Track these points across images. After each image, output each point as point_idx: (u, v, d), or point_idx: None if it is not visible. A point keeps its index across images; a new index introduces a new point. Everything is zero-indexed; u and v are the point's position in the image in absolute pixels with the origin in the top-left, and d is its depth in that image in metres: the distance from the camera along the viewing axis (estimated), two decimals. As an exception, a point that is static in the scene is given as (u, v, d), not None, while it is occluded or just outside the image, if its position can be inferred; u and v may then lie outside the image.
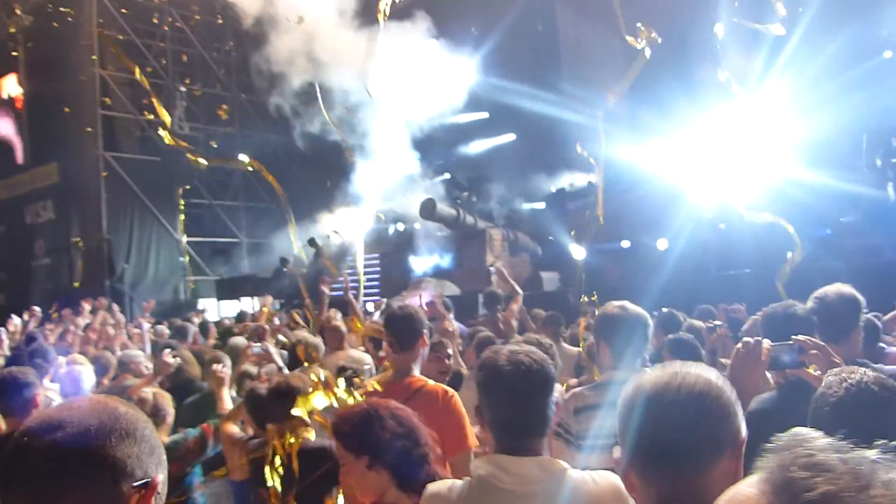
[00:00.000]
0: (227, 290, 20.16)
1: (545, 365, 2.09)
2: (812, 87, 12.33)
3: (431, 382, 3.31)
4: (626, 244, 13.92)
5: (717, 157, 13.20)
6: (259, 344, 6.62)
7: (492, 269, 9.79)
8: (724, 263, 11.98)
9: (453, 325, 6.97)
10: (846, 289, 3.27)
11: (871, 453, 0.74)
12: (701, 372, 1.44)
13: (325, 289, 8.04)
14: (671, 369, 1.45)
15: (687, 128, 13.67)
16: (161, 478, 1.21)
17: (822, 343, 2.47)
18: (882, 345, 4.06)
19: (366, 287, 16.84)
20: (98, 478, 1.12)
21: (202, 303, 20.14)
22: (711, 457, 1.35)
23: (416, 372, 3.37)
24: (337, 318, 7.97)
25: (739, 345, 2.33)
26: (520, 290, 8.08)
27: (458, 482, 2.12)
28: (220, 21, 22.09)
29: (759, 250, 11.57)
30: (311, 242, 18.08)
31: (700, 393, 1.38)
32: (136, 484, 1.15)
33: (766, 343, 2.35)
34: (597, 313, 3.32)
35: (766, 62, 14.08)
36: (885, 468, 0.72)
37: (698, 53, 16.63)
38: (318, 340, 6.16)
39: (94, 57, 19.68)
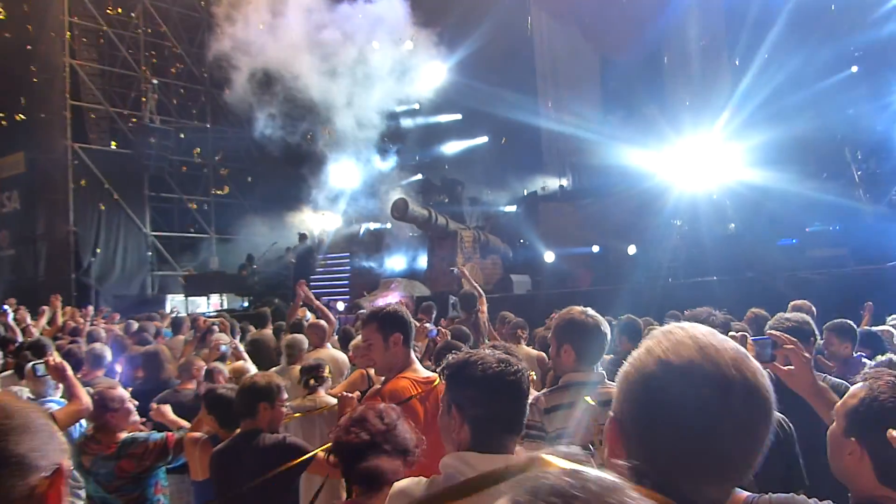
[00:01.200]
0: (195, 285, 19.90)
1: (525, 367, 2.15)
2: (780, 99, 12.50)
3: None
4: (595, 249, 13.95)
5: (688, 167, 13.39)
6: (228, 342, 6.52)
7: (454, 270, 9.71)
8: (692, 270, 12.07)
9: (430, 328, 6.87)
10: (802, 316, 3.61)
11: (610, 481, 0.73)
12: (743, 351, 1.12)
13: (306, 291, 7.86)
14: (703, 340, 1.11)
15: (659, 138, 13.79)
16: (68, 463, 1.19)
17: (795, 339, 2.56)
18: (860, 353, 4.08)
19: (335, 287, 16.73)
20: (7, 477, 1.10)
21: (169, 298, 19.88)
22: (750, 470, 1.10)
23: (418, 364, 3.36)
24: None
25: None
26: (482, 292, 8.06)
27: (425, 479, 2.12)
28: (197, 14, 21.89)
29: (725, 259, 11.70)
30: (302, 238, 18.08)
31: (761, 384, 1.09)
32: (44, 474, 1.14)
33: (749, 338, 2.44)
34: (558, 317, 3.30)
35: (734, 75, 14.31)
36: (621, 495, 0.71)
37: (671, 65, 16.86)
38: (302, 338, 6.06)
39: (64, 51, 19.35)
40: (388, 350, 3.16)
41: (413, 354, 3.28)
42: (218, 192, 23.17)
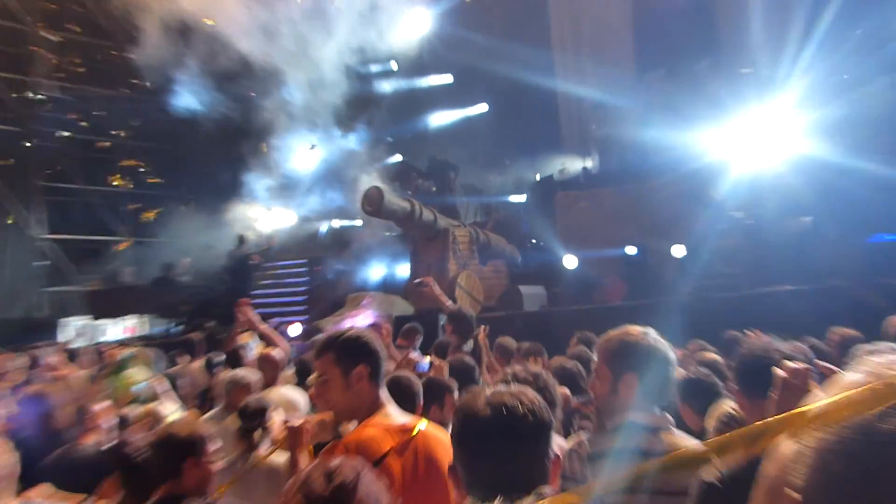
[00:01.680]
0: (103, 304, 19.70)
1: (536, 409, 2.09)
2: (871, 51, 12.51)
3: (425, 423, 3.24)
4: (631, 251, 13.88)
5: (750, 143, 13.38)
6: (146, 379, 6.44)
7: (421, 283, 9.57)
8: (758, 278, 12.00)
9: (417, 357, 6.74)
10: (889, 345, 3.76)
11: None
12: None
13: (248, 311, 7.77)
14: None
15: (711, 103, 13.80)
16: None
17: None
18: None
19: (288, 305, 16.63)
20: None
21: (68, 322, 19.67)
22: None
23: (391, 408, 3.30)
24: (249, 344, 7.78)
25: (781, 371, 2.50)
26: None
27: None
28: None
29: (800, 263, 11.64)
30: (241, 240, 18.01)
31: None
32: None
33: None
34: (608, 339, 3.22)
35: (810, 20, 14.32)
36: None
37: (725, 7, 16.91)
38: (245, 374, 5.97)
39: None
40: (349, 388, 3.12)
41: (385, 394, 3.23)
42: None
